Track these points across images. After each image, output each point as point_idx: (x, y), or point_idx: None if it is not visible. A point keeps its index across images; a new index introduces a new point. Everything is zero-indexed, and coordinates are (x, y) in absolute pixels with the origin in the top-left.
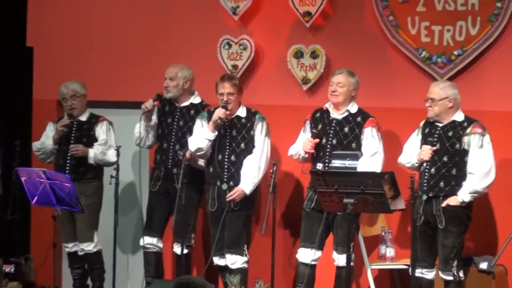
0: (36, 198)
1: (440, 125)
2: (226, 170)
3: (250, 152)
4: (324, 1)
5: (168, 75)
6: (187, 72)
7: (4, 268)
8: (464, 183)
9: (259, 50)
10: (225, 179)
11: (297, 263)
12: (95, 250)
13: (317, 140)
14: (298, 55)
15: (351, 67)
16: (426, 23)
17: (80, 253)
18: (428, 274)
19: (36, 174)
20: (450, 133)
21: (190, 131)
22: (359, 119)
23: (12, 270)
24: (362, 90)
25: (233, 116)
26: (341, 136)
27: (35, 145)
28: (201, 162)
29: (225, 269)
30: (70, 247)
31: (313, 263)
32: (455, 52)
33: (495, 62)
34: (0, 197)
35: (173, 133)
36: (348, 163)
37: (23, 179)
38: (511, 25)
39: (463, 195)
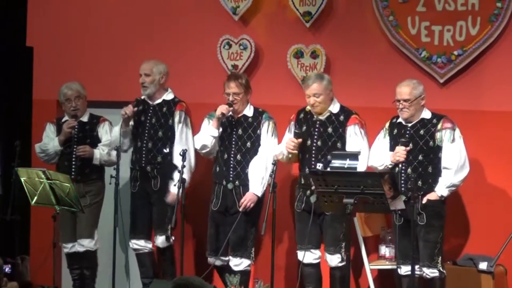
0: (36, 198)
1: (410, 124)
2: (231, 169)
3: (256, 151)
4: (324, 1)
5: (143, 71)
6: (162, 67)
7: (4, 268)
8: (441, 179)
9: (259, 50)
10: (231, 179)
11: (299, 265)
12: (95, 248)
13: (300, 140)
14: (298, 55)
15: (351, 67)
16: (426, 23)
17: (80, 250)
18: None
19: (36, 174)
20: (422, 132)
21: (162, 128)
22: (341, 117)
23: (9, 270)
24: (362, 89)
25: (240, 115)
26: (325, 137)
27: (38, 147)
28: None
29: (222, 269)
30: (69, 247)
31: (315, 261)
32: (455, 52)
33: (495, 62)
34: (0, 197)
35: (146, 131)
36: (348, 163)
37: (23, 179)
38: (511, 25)
39: (441, 190)
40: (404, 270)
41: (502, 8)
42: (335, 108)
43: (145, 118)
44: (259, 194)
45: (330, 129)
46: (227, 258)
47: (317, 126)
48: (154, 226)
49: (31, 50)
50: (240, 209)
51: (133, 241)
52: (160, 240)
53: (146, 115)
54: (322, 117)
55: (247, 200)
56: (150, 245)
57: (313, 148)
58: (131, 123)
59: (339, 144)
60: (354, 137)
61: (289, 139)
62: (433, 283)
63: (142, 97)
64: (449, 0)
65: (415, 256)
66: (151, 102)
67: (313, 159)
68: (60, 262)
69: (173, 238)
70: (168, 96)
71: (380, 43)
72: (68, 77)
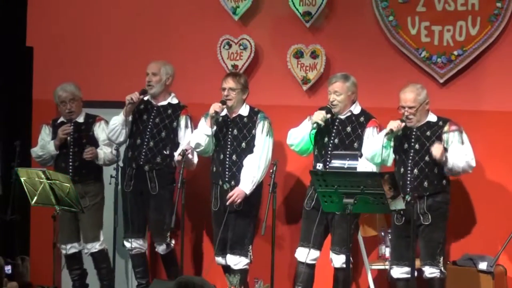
0: (36, 198)
1: (415, 127)
2: (227, 169)
3: (251, 151)
4: (324, 1)
5: (151, 70)
6: (170, 68)
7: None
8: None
9: (259, 50)
10: (226, 179)
11: (296, 262)
12: (101, 248)
13: (329, 115)
14: (298, 55)
15: (351, 67)
16: (426, 23)
17: (86, 254)
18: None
19: (36, 174)
20: (428, 133)
21: (166, 129)
22: (362, 119)
23: (9, 270)
24: (362, 90)
25: (235, 115)
26: (343, 135)
27: (35, 152)
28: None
29: (227, 268)
30: (67, 248)
31: (311, 262)
32: (455, 52)
33: (495, 62)
34: (0, 197)
35: (148, 130)
36: (348, 163)
37: (23, 179)
38: (511, 25)
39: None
40: (398, 271)
41: (502, 8)
42: (356, 109)
43: (147, 117)
44: (247, 192)
45: (349, 128)
46: None
47: (336, 124)
48: (153, 233)
49: (31, 50)
50: (227, 203)
51: (131, 239)
52: (161, 249)
53: (149, 114)
54: (342, 116)
55: (235, 195)
56: (146, 245)
57: (330, 145)
58: (130, 118)
59: (356, 144)
60: (371, 138)
61: (319, 111)
62: (432, 283)
63: (146, 98)
64: (449, 0)
65: (414, 257)
66: (155, 103)
67: (328, 156)
68: (60, 262)
69: (173, 242)
70: (173, 100)
71: (380, 43)
72: (68, 77)
